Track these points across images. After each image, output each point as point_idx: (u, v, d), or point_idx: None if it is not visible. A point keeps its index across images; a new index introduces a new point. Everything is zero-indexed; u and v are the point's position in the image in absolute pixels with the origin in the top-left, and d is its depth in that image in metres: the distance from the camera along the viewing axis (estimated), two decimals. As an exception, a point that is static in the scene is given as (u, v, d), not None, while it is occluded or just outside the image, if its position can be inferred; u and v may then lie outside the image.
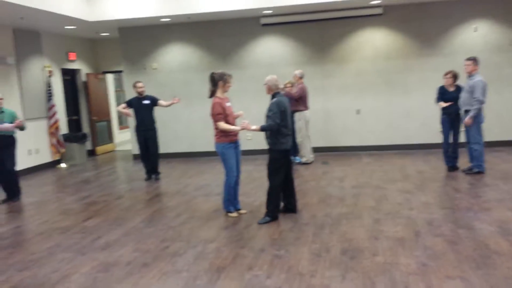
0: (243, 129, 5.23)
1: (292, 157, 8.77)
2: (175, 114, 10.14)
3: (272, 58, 9.96)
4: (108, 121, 12.50)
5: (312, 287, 3.55)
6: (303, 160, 8.69)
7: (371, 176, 7.32)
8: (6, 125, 6.61)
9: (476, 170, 6.95)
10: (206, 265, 4.08)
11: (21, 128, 6.78)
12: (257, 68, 9.87)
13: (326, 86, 9.87)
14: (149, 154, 7.96)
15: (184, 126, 10.40)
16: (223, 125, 5.25)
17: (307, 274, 3.78)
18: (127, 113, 7.97)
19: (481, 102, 6.69)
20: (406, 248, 4.21)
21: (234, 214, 5.53)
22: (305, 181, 7.30)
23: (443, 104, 7.09)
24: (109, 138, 12.51)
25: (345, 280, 3.63)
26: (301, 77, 8.59)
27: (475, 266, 3.72)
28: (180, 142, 10.43)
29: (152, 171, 8.07)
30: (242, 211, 5.63)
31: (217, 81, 5.31)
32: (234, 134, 5.39)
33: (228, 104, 5.38)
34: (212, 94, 5.35)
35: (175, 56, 10.31)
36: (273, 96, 5.21)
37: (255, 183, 7.21)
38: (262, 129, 5.15)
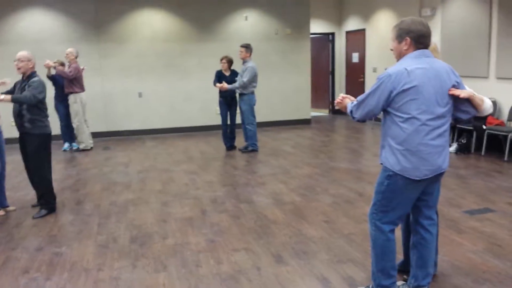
0: None
1: (69, 144, 8.06)
2: None
3: (39, 33, 8.84)
4: None
5: (100, 282, 3.28)
6: (81, 146, 8.03)
7: (156, 160, 7.25)
8: None
9: (251, 149, 7.60)
10: (-35, 278, 3.37)
11: None
12: (21, 44, 8.54)
13: (104, 67, 9.30)
14: None
15: None
16: None
17: (94, 268, 3.49)
18: None
19: (244, 85, 7.28)
20: (195, 227, 4.29)
21: (1, 213, 4.72)
22: (85, 169, 6.75)
23: (219, 85, 7.35)
24: None
25: (136, 269, 3.48)
26: (76, 56, 7.85)
27: (257, 237, 4.04)
28: None
29: None
30: (10, 208, 4.85)
31: None
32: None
33: None
34: None
35: None
36: (30, 77, 4.54)
37: (24, 174, 6.29)
38: (15, 99, 4.37)
